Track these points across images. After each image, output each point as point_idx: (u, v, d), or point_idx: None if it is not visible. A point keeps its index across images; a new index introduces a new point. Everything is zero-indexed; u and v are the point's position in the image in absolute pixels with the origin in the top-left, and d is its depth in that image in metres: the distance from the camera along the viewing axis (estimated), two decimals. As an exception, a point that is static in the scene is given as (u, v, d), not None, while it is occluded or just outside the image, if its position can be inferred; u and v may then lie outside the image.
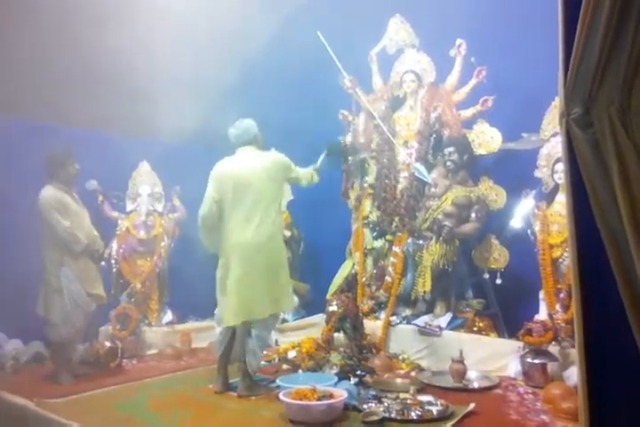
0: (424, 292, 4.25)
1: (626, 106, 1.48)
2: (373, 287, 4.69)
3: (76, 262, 3.88)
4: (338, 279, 4.89)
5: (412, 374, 3.83)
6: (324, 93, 4.97)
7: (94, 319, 4.20)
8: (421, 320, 4.20)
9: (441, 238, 4.19)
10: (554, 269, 3.76)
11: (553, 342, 3.56)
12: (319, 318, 4.62)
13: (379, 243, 4.78)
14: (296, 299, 4.98)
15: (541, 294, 3.81)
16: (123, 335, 4.47)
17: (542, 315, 3.76)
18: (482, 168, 4.49)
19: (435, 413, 2.92)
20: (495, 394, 3.39)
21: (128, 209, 5.02)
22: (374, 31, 4.86)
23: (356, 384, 3.42)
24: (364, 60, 4.96)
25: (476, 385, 3.53)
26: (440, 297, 4.29)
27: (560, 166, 3.61)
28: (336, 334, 4.08)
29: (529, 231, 3.93)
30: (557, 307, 3.69)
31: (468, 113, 4.50)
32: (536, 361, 3.50)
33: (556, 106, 3.68)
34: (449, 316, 4.18)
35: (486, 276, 4.26)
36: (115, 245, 4.87)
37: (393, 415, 2.90)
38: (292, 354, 4.08)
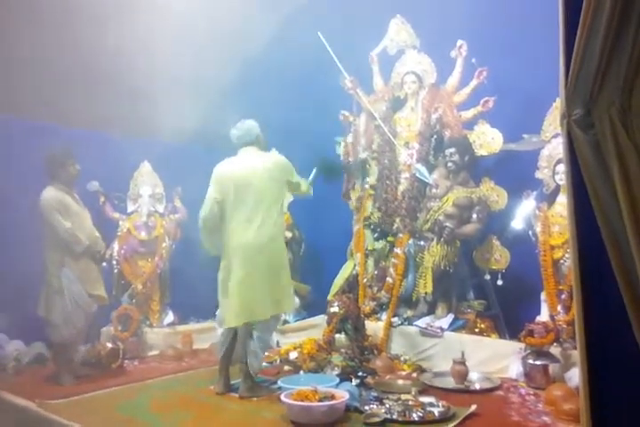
0: (425, 293, 4.25)
1: (627, 107, 1.48)
2: (375, 288, 4.68)
3: (77, 263, 3.88)
4: (339, 280, 4.89)
5: (414, 375, 3.82)
6: (324, 94, 4.96)
7: (95, 320, 4.19)
8: (423, 321, 4.20)
9: (442, 239, 4.18)
10: (555, 270, 3.76)
11: (554, 344, 3.56)
12: (320, 319, 4.61)
13: (380, 244, 4.78)
14: (297, 300, 4.96)
15: (543, 296, 3.81)
16: (124, 336, 4.47)
17: (544, 316, 3.76)
18: (483, 169, 4.48)
19: (436, 414, 2.92)
20: (497, 395, 3.39)
21: (129, 210, 5.02)
22: (375, 32, 4.85)
23: (357, 386, 3.41)
24: (364, 60, 4.95)
25: (477, 387, 3.53)
26: (441, 298, 4.28)
27: (561, 167, 3.61)
28: (337, 336, 4.07)
29: (530, 232, 3.92)
30: (559, 308, 3.69)
31: (468, 114, 4.49)
32: (537, 362, 3.49)
33: (556, 107, 3.68)
34: (450, 317, 4.18)
35: (487, 277, 4.26)
36: (116, 246, 4.87)
37: (394, 417, 2.90)
38: (293, 355, 4.07)
